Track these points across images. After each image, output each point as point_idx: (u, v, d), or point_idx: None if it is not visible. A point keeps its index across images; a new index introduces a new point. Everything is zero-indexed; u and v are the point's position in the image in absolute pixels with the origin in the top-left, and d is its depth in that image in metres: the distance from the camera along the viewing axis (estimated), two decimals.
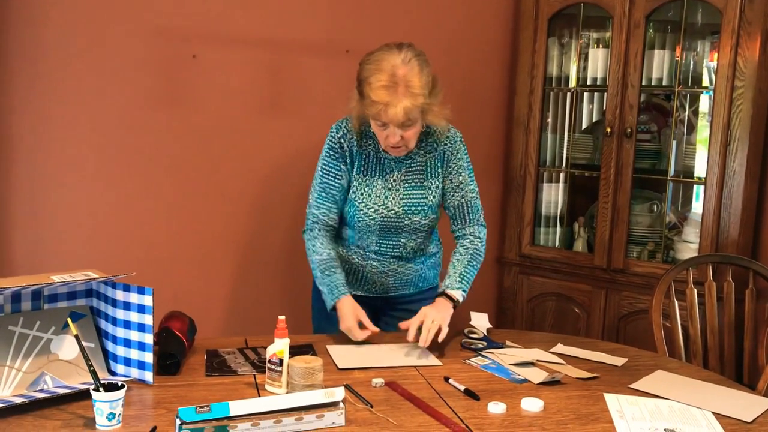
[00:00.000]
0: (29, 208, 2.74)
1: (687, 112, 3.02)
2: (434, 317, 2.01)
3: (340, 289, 2.07)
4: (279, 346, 1.68)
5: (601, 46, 3.05)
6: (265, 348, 1.86)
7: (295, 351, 1.93)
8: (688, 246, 2.88)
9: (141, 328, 1.70)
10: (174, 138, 2.85)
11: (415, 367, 1.90)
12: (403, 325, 2.03)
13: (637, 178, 2.95)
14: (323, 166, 2.15)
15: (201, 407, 1.42)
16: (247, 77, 2.90)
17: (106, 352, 1.77)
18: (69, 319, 1.58)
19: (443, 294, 2.12)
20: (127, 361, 1.73)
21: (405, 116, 1.95)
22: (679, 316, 2.43)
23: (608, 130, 2.94)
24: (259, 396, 1.68)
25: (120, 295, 1.72)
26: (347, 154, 2.13)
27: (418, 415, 1.62)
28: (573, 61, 3.12)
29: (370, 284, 2.24)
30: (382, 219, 2.13)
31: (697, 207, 2.96)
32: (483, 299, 3.34)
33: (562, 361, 1.98)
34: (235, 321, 3.00)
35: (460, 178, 2.20)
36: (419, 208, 2.16)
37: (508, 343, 2.12)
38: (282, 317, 1.71)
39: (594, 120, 3.35)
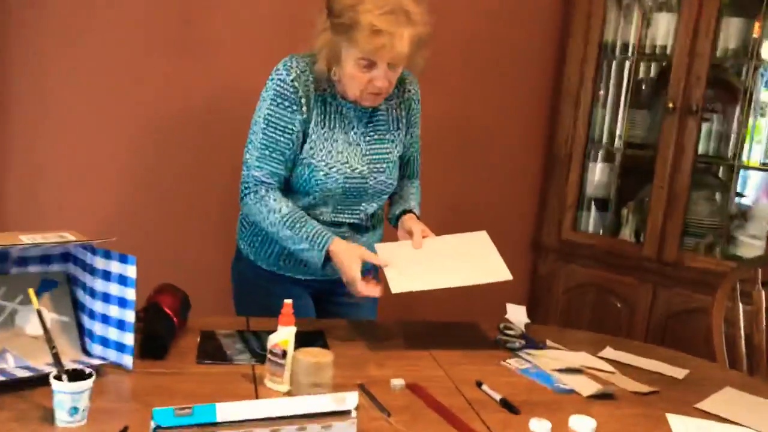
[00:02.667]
0: (24, 161, 2.50)
1: (760, 90, 2.67)
2: (425, 228, 1.84)
3: (323, 236, 1.74)
4: (283, 336, 1.41)
5: (665, 10, 2.71)
6: (269, 334, 1.60)
7: (302, 339, 1.66)
8: (752, 242, 2.56)
9: (122, 303, 1.44)
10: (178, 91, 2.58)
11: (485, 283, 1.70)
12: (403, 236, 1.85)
13: (698, 162, 2.63)
14: (269, 118, 1.78)
15: (181, 409, 1.15)
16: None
17: (82, 328, 1.51)
18: (30, 291, 1.31)
19: (410, 212, 1.91)
20: (105, 341, 1.47)
21: (411, 50, 1.67)
22: (742, 321, 2.12)
23: (670, 105, 2.61)
24: (257, 393, 1.41)
25: (100, 262, 1.46)
26: (303, 101, 1.78)
27: (445, 430, 1.34)
28: (634, 26, 2.78)
29: (314, 266, 1.87)
30: (345, 180, 1.81)
31: (765, 198, 2.63)
32: (514, 287, 3.00)
33: (613, 369, 1.69)
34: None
35: (417, 130, 1.97)
36: (384, 166, 1.87)
37: (549, 343, 1.84)
38: (288, 301, 1.43)
39: (654, 94, 3.01)
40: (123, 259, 1.43)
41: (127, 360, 1.44)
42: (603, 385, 1.57)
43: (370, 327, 1.86)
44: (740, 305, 2.14)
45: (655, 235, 2.67)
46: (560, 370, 1.64)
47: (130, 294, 1.43)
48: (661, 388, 1.62)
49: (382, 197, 1.92)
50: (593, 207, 2.90)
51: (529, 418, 1.37)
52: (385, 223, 2.02)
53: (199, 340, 1.65)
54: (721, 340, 2.08)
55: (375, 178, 1.87)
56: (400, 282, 1.69)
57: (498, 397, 1.47)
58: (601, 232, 2.90)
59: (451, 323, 1.93)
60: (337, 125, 1.83)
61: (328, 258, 1.74)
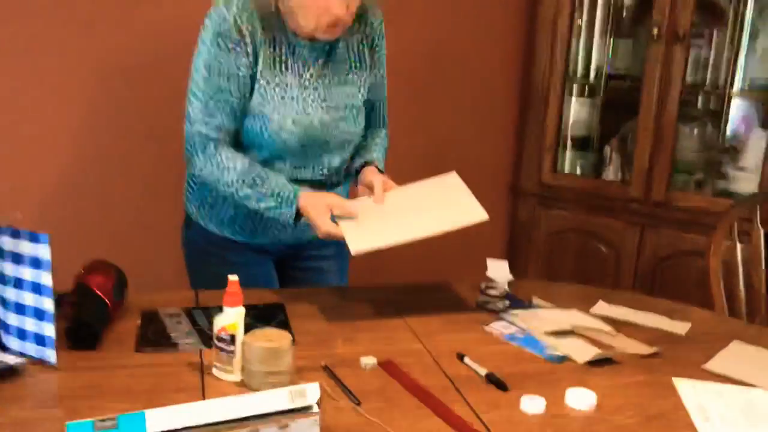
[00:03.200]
0: None
1: (749, 13, 2.46)
2: (387, 180, 1.64)
3: (288, 189, 1.54)
4: (230, 318, 1.20)
5: None
6: (221, 310, 1.41)
7: (259, 315, 1.46)
8: (745, 176, 2.39)
9: (37, 289, 1.22)
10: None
11: (458, 229, 1.48)
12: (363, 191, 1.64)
13: (685, 92, 2.43)
14: (210, 63, 1.54)
15: (102, 420, 0.95)
16: None
17: None
18: None
19: (372, 164, 1.70)
20: (22, 334, 1.25)
21: None
22: (741, 265, 1.96)
23: (655, 32, 2.39)
24: (203, 385, 1.21)
25: (7, 243, 1.23)
26: (248, 42, 1.53)
27: (424, 417, 1.15)
28: None
29: (276, 230, 1.69)
30: (302, 132, 1.59)
31: (758, 130, 2.45)
32: (492, 236, 2.87)
33: (609, 328, 1.52)
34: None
35: (383, 70, 1.73)
36: (347, 112, 1.65)
37: (535, 300, 1.65)
38: (233, 277, 1.22)
39: (636, 21, 2.78)
40: (34, 238, 1.20)
41: (50, 354, 1.23)
42: (600, 349, 1.40)
43: (337, 294, 1.66)
44: (738, 246, 1.97)
45: (641, 174, 2.49)
46: (551, 333, 1.47)
47: (46, 278, 1.21)
48: (664, 347, 1.45)
49: (347, 149, 1.70)
50: (575, 146, 2.71)
51: (520, 395, 1.21)
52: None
53: (139, 322, 1.44)
54: (719, 286, 1.92)
55: (337, 127, 1.64)
56: (359, 240, 1.48)
57: (483, 372, 1.28)
58: (583, 173, 2.71)
59: (426, 285, 1.74)
60: (290, 67, 1.59)
61: (299, 214, 1.54)
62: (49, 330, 1.22)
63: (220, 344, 1.21)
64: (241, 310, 1.20)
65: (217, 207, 1.68)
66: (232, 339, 1.20)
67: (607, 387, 1.27)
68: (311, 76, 1.61)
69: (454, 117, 2.76)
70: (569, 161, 2.72)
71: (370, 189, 1.62)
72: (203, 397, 1.17)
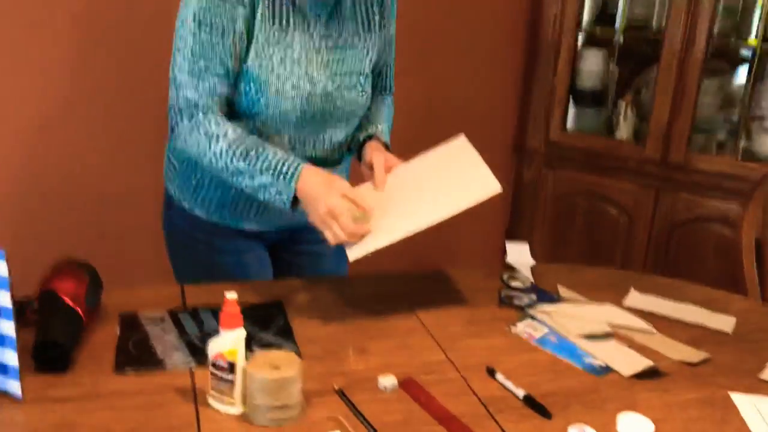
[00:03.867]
0: None
1: None
2: (389, 157, 1.44)
3: (290, 163, 1.29)
4: (228, 343, 1.01)
5: None
6: (212, 312, 1.23)
7: (257, 318, 1.27)
8: None
9: None
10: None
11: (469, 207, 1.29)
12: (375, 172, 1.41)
13: (710, 44, 2.23)
14: (200, 16, 1.30)
15: None
16: None
17: None
18: None
19: (376, 139, 1.50)
20: None
21: None
22: None
23: None
24: (198, 420, 1.03)
25: None
26: None
27: None
28: None
29: (271, 213, 1.48)
30: (303, 101, 1.38)
31: None
32: (495, 197, 2.68)
33: (649, 326, 1.36)
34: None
35: (392, 29, 1.52)
36: (354, 81, 1.44)
37: (562, 291, 1.48)
38: (231, 295, 1.02)
39: None
40: None
41: (14, 386, 1.04)
42: (643, 355, 1.24)
43: (339, 286, 1.47)
44: None
45: (658, 133, 2.30)
46: (587, 336, 1.30)
47: (5, 299, 1.01)
48: (711, 349, 1.29)
49: (353, 121, 1.48)
50: (587, 102, 2.50)
51: (565, 425, 1.04)
52: None
53: (118, 331, 1.24)
54: (752, 266, 1.76)
55: (343, 97, 1.42)
56: (357, 244, 1.29)
57: (520, 393, 1.12)
58: (594, 131, 2.51)
59: (436, 273, 1.56)
60: (291, 24, 1.36)
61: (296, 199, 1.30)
62: (11, 358, 1.03)
63: (217, 372, 1.03)
64: (240, 334, 1.01)
65: (202, 188, 1.47)
66: (232, 367, 1.01)
67: (660, 408, 1.11)
68: (314, 35, 1.38)
69: (456, 69, 2.53)
70: (579, 118, 2.52)
71: (372, 170, 1.42)
72: None
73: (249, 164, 1.31)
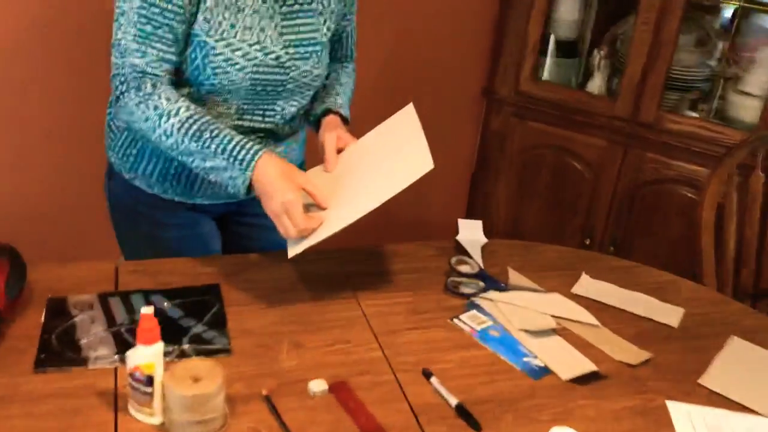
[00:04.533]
0: None
1: None
2: (342, 135, 1.39)
3: (248, 149, 1.21)
4: (145, 358, 0.97)
5: None
6: (146, 295, 1.19)
7: (191, 306, 1.23)
8: (748, 102, 2.14)
9: None
10: None
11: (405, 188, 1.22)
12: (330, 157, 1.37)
13: None
14: None
15: None
16: None
17: None
18: None
19: (333, 113, 1.44)
20: None
21: None
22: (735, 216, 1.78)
23: None
24: (116, 428, 1.00)
25: None
26: None
27: None
28: None
29: (217, 186, 1.40)
30: (255, 69, 1.29)
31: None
32: (460, 144, 2.62)
33: (594, 320, 1.33)
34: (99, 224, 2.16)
35: None
36: (309, 50, 1.35)
37: (511, 277, 1.45)
38: (146, 310, 0.96)
39: None
40: None
41: None
42: (585, 355, 1.22)
43: (281, 265, 1.41)
44: (734, 195, 1.78)
45: (631, 89, 2.22)
46: (529, 332, 1.28)
47: None
48: (655, 347, 1.27)
49: (307, 93, 1.40)
50: (560, 52, 2.40)
51: None
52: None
53: (43, 318, 1.19)
54: (711, 244, 1.74)
55: (297, 68, 1.34)
56: (296, 241, 1.24)
57: (453, 401, 1.10)
58: (566, 83, 2.42)
59: (384, 249, 1.51)
60: None
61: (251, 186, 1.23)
62: None
63: (135, 384, 0.99)
64: (159, 348, 0.97)
65: (143, 160, 1.39)
66: (150, 380, 0.97)
67: (594, 419, 1.10)
68: (271, 4, 1.28)
69: (427, 13, 2.39)
70: (551, 68, 2.42)
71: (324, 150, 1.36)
72: None
73: (202, 146, 1.22)
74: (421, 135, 1.31)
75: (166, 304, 1.25)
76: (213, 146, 1.22)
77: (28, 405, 1.02)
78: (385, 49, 2.38)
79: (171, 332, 1.18)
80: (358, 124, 1.48)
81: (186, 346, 1.16)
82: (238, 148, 1.22)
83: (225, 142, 1.22)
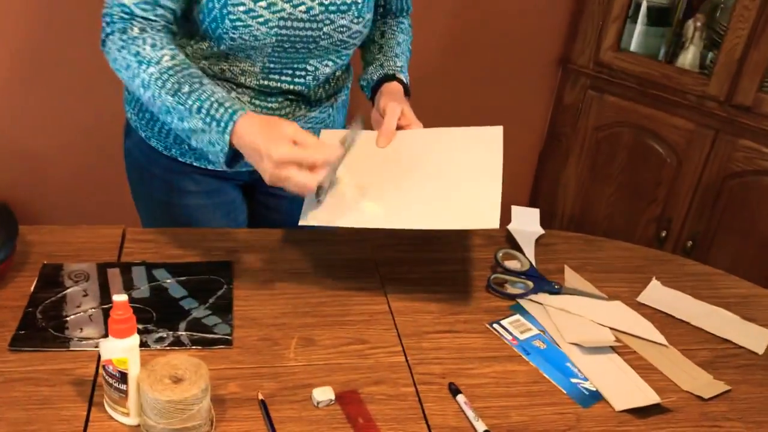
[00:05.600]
0: None
1: None
2: (407, 113, 1.19)
3: (226, 107, 1.02)
4: (117, 352, 0.83)
5: None
6: (145, 269, 1.06)
7: (197, 284, 1.09)
8: None
9: None
10: None
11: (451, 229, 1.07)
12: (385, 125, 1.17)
13: None
14: None
15: None
16: None
17: None
18: None
19: (394, 78, 1.25)
20: None
21: None
22: None
23: None
24: (87, 425, 0.87)
25: None
26: None
27: None
28: None
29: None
30: (281, 23, 1.11)
31: None
32: (529, 118, 2.40)
33: (662, 339, 1.13)
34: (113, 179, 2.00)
35: None
36: (348, 1, 1.15)
37: (567, 278, 1.25)
38: (119, 298, 0.82)
39: None
40: None
41: None
42: (647, 379, 1.03)
43: (304, 244, 1.26)
44: None
45: (728, 66, 1.94)
46: (582, 347, 1.09)
47: None
48: (732, 377, 1.06)
49: (344, 53, 1.22)
50: (649, 20, 2.13)
51: None
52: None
53: (33, 288, 1.08)
54: None
55: (332, 23, 1.15)
56: (315, 207, 1.08)
57: (481, 428, 0.92)
58: (653, 55, 2.15)
59: (423, 235, 1.33)
60: None
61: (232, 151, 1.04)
62: None
63: (108, 379, 0.85)
64: (133, 342, 0.83)
65: (158, 118, 1.25)
66: (123, 377, 0.84)
67: None
68: None
69: None
70: (638, 37, 2.15)
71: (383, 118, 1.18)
72: None
73: (179, 101, 1.04)
74: (498, 179, 1.09)
75: (169, 280, 1.12)
76: (189, 102, 1.03)
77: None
78: (440, 22, 2.16)
79: (169, 314, 1.05)
80: (414, 97, 1.30)
81: (182, 333, 1.02)
82: (216, 105, 1.02)
83: (203, 98, 1.03)
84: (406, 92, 1.26)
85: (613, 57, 2.13)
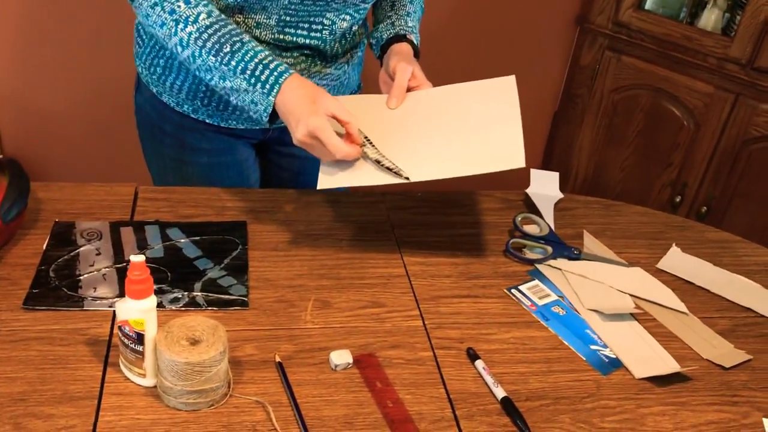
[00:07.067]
0: None
1: None
2: (417, 74, 1.17)
3: (272, 69, 1.03)
4: (134, 312, 0.81)
5: None
6: (159, 228, 1.04)
7: (212, 244, 1.07)
8: None
9: None
10: None
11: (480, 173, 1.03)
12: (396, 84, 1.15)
13: None
14: None
15: None
16: None
17: None
18: None
19: (403, 38, 1.22)
20: None
21: None
22: None
23: None
24: (102, 390, 0.86)
25: None
26: None
27: None
28: None
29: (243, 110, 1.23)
30: None
31: None
32: (544, 78, 2.35)
33: (682, 306, 1.11)
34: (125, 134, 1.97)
35: None
36: None
37: (587, 243, 1.23)
38: (137, 258, 0.80)
39: None
40: None
41: None
42: (666, 347, 1.01)
43: (319, 203, 1.24)
44: None
45: (752, 28, 1.89)
46: (602, 314, 1.07)
47: None
48: (753, 347, 1.05)
49: (362, 6, 1.18)
50: None
51: None
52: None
53: (45, 246, 1.06)
54: None
55: None
56: (331, 170, 1.06)
57: (500, 393, 0.91)
58: (674, 15, 2.10)
59: (438, 196, 1.31)
60: None
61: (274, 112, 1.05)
62: None
63: (124, 339, 0.84)
64: (150, 303, 0.81)
65: (171, 72, 1.21)
66: (140, 338, 0.82)
67: (671, 422, 0.90)
68: None
69: None
70: None
71: (393, 80, 1.15)
72: (96, 418, 0.82)
73: (221, 61, 1.03)
74: (518, 122, 1.08)
75: (183, 240, 1.10)
76: (233, 63, 1.03)
77: (8, 347, 0.90)
78: None
79: (184, 274, 1.03)
80: (426, 56, 1.26)
81: (198, 294, 1.00)
82: (261, 67, 1.03)
83: (247, 59, 1.03)
84: (416, 54, 1.23)
85: (632, 17, 2.08)
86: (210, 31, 1.04)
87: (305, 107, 1.01)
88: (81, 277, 1.01)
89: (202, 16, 1.04)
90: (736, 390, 0.98)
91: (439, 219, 1.25)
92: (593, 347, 1.02)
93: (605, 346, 1.02)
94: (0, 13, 1.85)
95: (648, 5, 2.10)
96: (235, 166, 1.32)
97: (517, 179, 1.32)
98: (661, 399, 0.95)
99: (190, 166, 1.29)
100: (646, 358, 1.00)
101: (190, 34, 1.04)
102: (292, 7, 1.12)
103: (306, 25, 1.16)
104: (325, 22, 1.17)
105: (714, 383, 0.98)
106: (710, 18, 2.00)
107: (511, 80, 1.14)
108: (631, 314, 1.08)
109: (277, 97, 1.03)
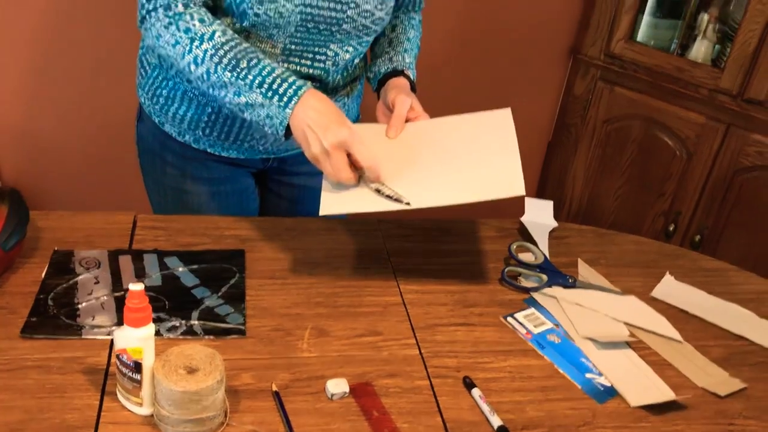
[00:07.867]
0: None
1: None
2: (416, 106, 1.20)
3: (290, 83, 1.05)
4: (132, 341, 0.82)
5: None
6: (157, 257, 1.05)
7: (209, 272, 1.08)
8: None
9: None
10: None
11: (480, 201, 1.05)
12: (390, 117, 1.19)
13: None
14: None
15: None
16: None
17: None
18: None
19: (401, 74, 1.25)
20: None
21: None
22: None
23: None
24: (99, 417, 0.86)
25: None
26: None
27: None
28: None
29: (256, 138, 1.25)
30: (301, 6, 1.11)
31: None
32: (538, 108, 2.38)
33: (677, 335, 1.12)
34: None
35: None
36: None
37: (581, 272, 1.24)
38: (135, 287, 0.81)
39: None
40: None
41: None
42: (662, 375, 1.02)
43: (319, 233, 1.25)
44: None
45: (741, 60, 1.93)
46: (597, 342, 1.08)
47: None
48: (748, 374, 1.06)
49: (365, 39, 1.21)
50: (661, 12, 2.11)
51: None
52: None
53: (44, 274, 1.07)
54: None
55: (357, 6, 1.14)
56: (333, 197, 1.07)
57: (496, 422, 0.92)
58: (665, 47, 2.13)
59: (436, 225, 1.32)
60: None
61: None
62: None
63: (122, 368, 0.84)
64: (148, 332, 0.82)
65: (173, 102, 1.23)
66: (138, 366, 0.83)
67: None
68: None
69: None
70: (649, 29, 2.13)
71: (391, 111, 1.17)
72: None
73: (237, 76, 1.05)
74: (515, 152, 1.11)
75: (181, 269, 1.11)
76: (250, 77, 1.05)
77: (6, 376, 0.90)
78: (449, 8, 2.14)
79: (181, 303, 1.04)
80: (422, 88, 1.29)
81: (195, 323, 1.01)
82: (279, 81, 1.05)
83: (264, 74, 1.05)
84: (413, 88, 1.25)
85: (624, 48, 2.12)
86: (226, 47, 1.06)
87: (334, 117, 1.03)
88: (79, 306, 1.01)
89: (218, 33, 1.07)
90: (732, 418, 0.98)
91: (435, 247, 1.26)
92: (588, 375, 1.02)
93: (600, 374, 1.02)
94: (2, 43, 1.88)
95: (639, 37, 2.13)
96: (235, 195, 1.33)
97: (512, 208, 1.34)
98: (656, 427, 0.95)
99: (191, 195, 1.30)
100: (642, 386, 1.01)
101: (206, 51, 1.06)
102: (298, 35, 1.14)
103: (310, 55, 1.18)
104: (329, 53, 1.19)
105: (709, 412, 0.99)
106: (700, 50, 2.03)
107: (507, 113, 1.17)
108: (626, 342, 1.09)
109: (295, 109, 1.04)
